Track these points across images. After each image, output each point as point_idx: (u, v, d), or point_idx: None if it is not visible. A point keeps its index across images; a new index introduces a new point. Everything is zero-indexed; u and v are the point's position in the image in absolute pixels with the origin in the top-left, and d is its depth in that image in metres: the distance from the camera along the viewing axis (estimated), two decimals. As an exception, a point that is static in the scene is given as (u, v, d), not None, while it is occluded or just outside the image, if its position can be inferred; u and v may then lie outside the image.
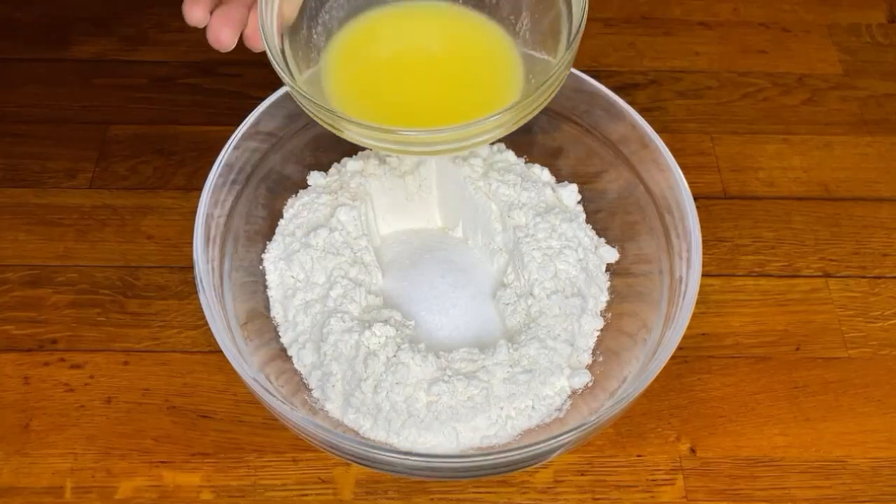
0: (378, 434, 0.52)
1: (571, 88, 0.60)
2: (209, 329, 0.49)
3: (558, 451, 0.50)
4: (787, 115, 0.73)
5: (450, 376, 0.54)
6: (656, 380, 0.49)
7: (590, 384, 0.55)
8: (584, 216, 0.62)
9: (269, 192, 0.60)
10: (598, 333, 0.57)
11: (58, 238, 0.64)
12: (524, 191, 0.61)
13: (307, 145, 0.61)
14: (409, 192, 0.63)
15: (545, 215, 0.60)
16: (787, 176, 0.70)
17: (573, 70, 0.59)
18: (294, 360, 0.56)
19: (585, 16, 0.47)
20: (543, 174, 0.63)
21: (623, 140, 0.59)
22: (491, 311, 0.59)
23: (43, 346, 0.59)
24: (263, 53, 0.47)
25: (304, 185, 0.62)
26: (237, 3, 0.49)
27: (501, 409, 0.54)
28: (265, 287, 0.58)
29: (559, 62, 0.47)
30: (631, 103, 0.58)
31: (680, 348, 0.50)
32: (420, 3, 0.53)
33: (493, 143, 0.64)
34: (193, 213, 0.53)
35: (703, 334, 0.61)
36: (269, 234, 0.60)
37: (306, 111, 0.47)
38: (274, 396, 0.48)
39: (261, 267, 0.59)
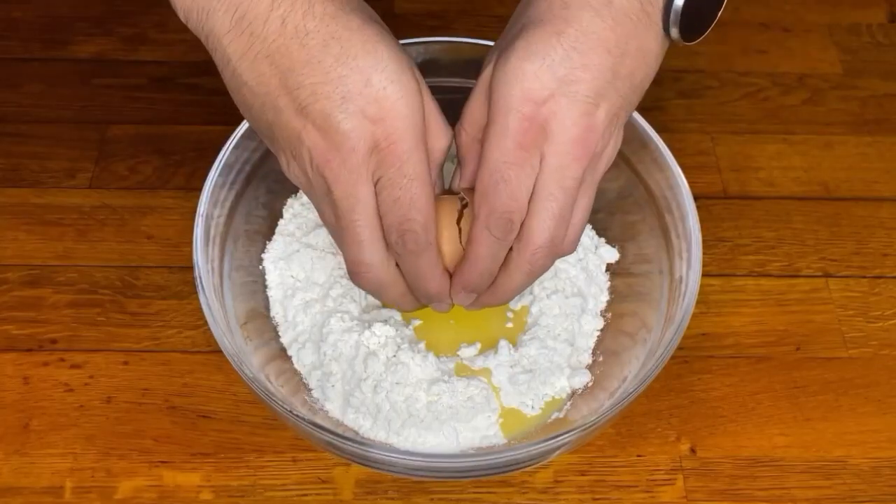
0: (378, 434, 0.52)
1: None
2: (209, 329, 0.49)
3: (558, 451, 0.50)
4: (787, 115, 0.73)
5: (450, 376, 0.54)
6: (656, 380, 0.49)
7: (590, 384, 0.55)
8: (584, 216, 0.62)
9: (269, 192, 0.60)
10: (598, 333, 0.57)
11: (58, 238, 0.64)
12: (524, 191, 0.61)
13: (307, 145, 0.61)
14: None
15: (545, 215, 0.59)
16: (787, 176, 0.70)
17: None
18: (294, 360, 0.56)
19: None
20: (543, 174, 0.63)
21: (623, 140, 0.59)
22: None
23: (43, 346, 0.59)
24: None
25: (304, 185, 0.62)
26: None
27: (501, 409, 0.54)
28: (265, 287, 0.58)
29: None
30: (631, 103, 0.58)
31: (680, 348, 0.50)
32: None
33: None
34: (193, 213, 0.53)
35: (703, 334, 0.61)
36: (269, 233, 0.60)
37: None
38: (274, 396, 0.48)
39: (261, 267, 0.59)
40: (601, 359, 0.56)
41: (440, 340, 0.56)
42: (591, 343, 0.57)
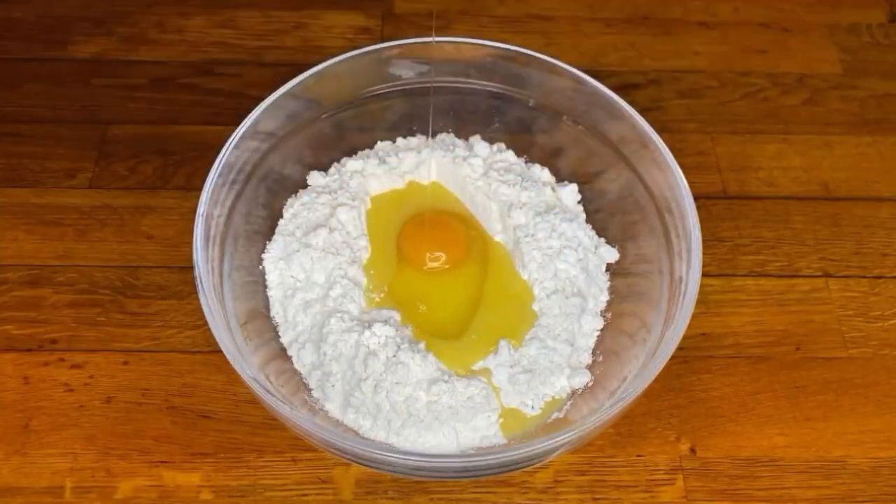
0: (378, 434, 0.52)
1: (571, 89, 0.60)
2: (209, 329, 0.49)
3: (558, 451, 0.50)
4: (787, 115, 0.73)
5: (450, 376, 0.54)
6: (656, 380, 0.49)
7: (590, 384, 0.55)
8: (584, 216, 0.62)
9: (269, 192, 0.60)
10: (598, 333, 0.57)
11: (57, 238, 0.64)
12: (524, 190, 0.61)
13: (307, 145, 0.62)
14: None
15: (545, 215, 0.60)
16: (787, 176, 0.70)
17: (574, 70, 0.59)
18: (294, 360, 0.56)
19: None
20: (543, 174, 0.63)
21: (623, 140, 0.59)
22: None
23: (43, 346, 0.59)
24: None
25: (304, 185, 0.62)
26: None
27: (501, 409, 0.54)
28: (265, 287, 0.58)
29: None
30: (631, 103, 0.58)
31: (680, 348, 0.50)
32: None
33: (492, 143, 0.64)
34: (193, 213, 0.53)
35: (703, 334, 0.61)
36: (268, 233, 0.60)
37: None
38: (274, 396, 0.48)
39: (261, 267, 0.59)
40: (601, 359, 0.56)
41: (448, 350, 0.56)
42: (591, 343, 0.57)
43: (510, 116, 0.63)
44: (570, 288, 0.58)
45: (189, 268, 0.52)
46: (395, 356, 0.53)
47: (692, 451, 0.56)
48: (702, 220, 0.54)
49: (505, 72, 0.61)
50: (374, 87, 0.62)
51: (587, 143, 0.61)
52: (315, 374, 0.55)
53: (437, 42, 0.60)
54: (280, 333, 0.57)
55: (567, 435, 0.47)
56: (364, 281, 0.58)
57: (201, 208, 0.53)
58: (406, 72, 0.62)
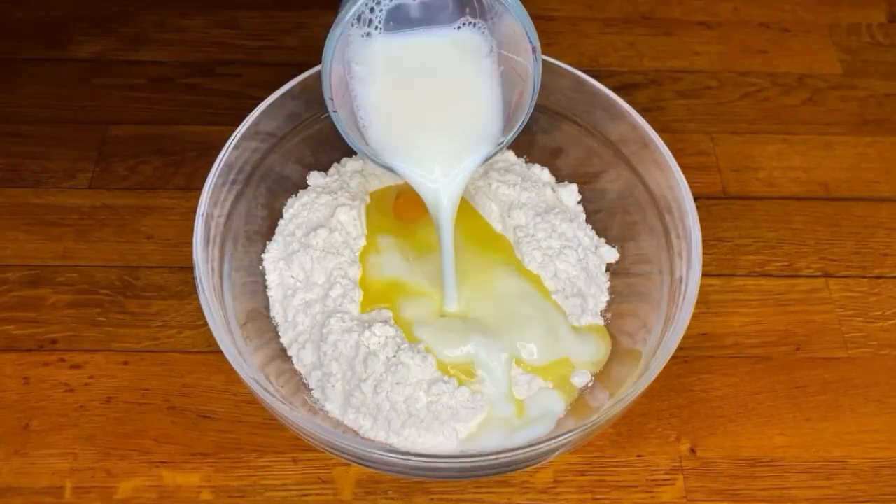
0: (378, 434, 0.52)
1: (571, 89, 0.60)
2: (209, 329, 0.49)
3: (558, 451, 0.50)
4: (787, 115, 0.73)
5: (450, 377, 0.54)
6: (656, 380, 0.49)
7: (590, 384, 0.55)
8: (584, 216, 0.62)
9: (269, 192, 0.60)
10: (598, 333, 0.58)
11: (57, 238, 0.64)
12: (524, 191, 0.61)
13: (307, 145, 0.61)
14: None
15: (545, 215, 0.60)
16: (787, 176, 0.70)
17: (574, 70, 0.59)
18: (294, 360, 0.56)
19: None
20: (543, 174, 0.63)
21: (623, 140, 0.59)
22: None
23: (43, 346, 0.59)
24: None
25: (304, 185, 0.62)
26: None
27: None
28: (265, 287, 0.58)
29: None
30: (631, 103, 0.58)
31: (680, 348, 0.50)
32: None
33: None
34: (193, 213, 0.53)
35: (703, 334, 0.61)
36: (268, 234, 0.60)
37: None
38: (274, 396, 0.48)
39: (261, 267, 0.59)
40: (601, 359, 0.56)
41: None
42: (591, 343, 0.57)
43: (510, 116, 0.63)
44: (570, 288, 0.58)
45: (189, 268, 0.52)
46: (395, 356, 0.53)
47: (692, 451, 0.56)
48: (702, 220, 0.54)
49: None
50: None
51: (587, 143, 0.61)
52: (315, 375, 0.55)
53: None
54: (280, 334, 0.57)
55: (567, 435, 0.47)
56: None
57: (201, 208, 0.53)
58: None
